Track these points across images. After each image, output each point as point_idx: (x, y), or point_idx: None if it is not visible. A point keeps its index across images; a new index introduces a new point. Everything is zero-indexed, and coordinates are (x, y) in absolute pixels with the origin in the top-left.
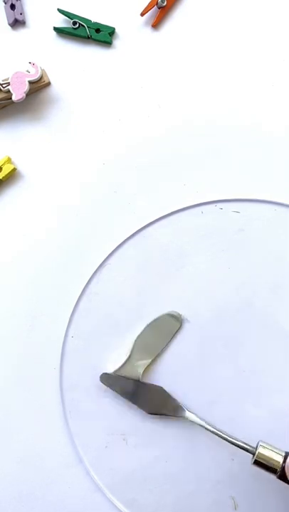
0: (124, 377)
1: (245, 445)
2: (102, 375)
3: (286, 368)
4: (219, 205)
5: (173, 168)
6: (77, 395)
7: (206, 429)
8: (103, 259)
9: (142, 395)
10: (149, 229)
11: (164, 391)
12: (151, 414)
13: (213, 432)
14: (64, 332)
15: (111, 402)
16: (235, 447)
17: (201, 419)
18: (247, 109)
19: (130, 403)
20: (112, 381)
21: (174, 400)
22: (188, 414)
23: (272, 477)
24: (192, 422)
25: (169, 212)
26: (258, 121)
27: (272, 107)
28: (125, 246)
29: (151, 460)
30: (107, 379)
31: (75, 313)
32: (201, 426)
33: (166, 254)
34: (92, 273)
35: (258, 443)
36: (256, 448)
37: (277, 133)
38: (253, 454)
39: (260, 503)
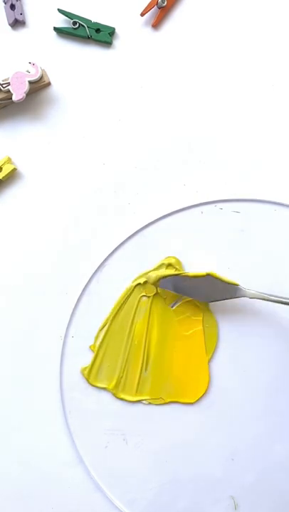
0: (172, 275)
1: None
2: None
3: (285, 369)
4: (219, 205)
5: (173, 168)
6: (77, 394)
7: (269, 300)
8: (103, 259)
9: (194, 285)
10: (149, 229)
11: (214, 276)
12: (210, 302)
13: (277, 301)
14: (64, 332)
15: (111, 402)
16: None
17: (259, 292)
18: (247, 110)
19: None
20: (166, 283)
21: (226, 282)
22: (246, 291)
23: (272, 476)
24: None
25: (169, 212)
26: (258, 121)
27: (272, 107)
28: (125, 246)
29: (151, 460)
30: (162, 282)
31: (75, 313)
32: (263, 299)
33: (166, 254)
34: (92, 273)
35: None
36: None
37: (277, 133)
38: None
39: (260, 503)
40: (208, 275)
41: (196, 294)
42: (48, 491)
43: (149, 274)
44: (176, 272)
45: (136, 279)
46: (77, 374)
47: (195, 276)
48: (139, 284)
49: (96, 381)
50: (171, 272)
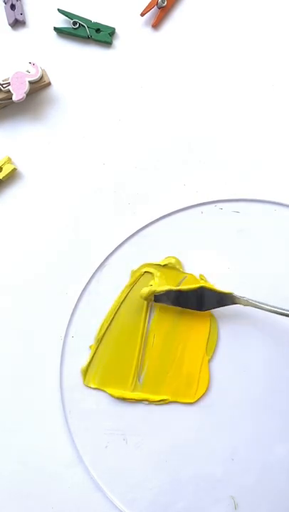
0: (165, 290)
1: None
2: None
3: (285, 369)
4: (219, 205)
5: (173, 168)
6: (77, 394)
7: (262, 308)
8: (103, 259)
9: (188, 297)
10: (149, 229)
11: (207, 288)
12: (205, 310)
13: (270, 311)
14: (64, 332)
15: (111, 402)
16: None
17: (252, 300)
18: (247, 110)
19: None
20: (160, 298)
21: (219, 292)
22: (240, 299)
23: (272, 476)
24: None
25: (169, 212)
26: (258, 121)
27: (273, 107)
28: (125, 246)
29: (151, 460)
30: (157, 297)
31: (75, 313)
32: (256, 307)
33: (166, 255)
34: (92, 273)
35: None
36: None
37: (277, 133)
38: None
39: (260, 503)
40: (201, 287)
41: (191, 305)
42: (48, 491)
43: (143, 289)
44: (169, 288)
45: (142, 267)
46: (77, 374)
47: (188, 290)
48: (147, 272)
49: (92, 382)
50: (163, 287)
